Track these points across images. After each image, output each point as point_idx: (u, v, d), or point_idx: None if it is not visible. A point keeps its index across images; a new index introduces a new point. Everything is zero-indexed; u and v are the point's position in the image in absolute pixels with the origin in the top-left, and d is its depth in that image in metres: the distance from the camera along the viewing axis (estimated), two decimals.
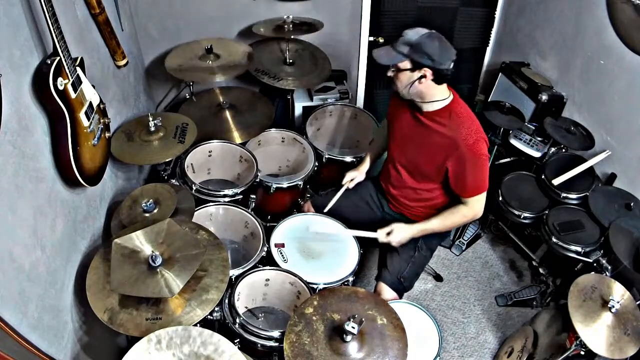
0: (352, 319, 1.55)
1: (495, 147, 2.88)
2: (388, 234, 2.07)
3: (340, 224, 2.23)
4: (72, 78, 1.62)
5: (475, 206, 2.04)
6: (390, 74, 1.92)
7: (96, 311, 1.58)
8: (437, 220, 2.09)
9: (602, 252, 2.22)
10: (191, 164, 2.39)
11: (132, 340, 1.41)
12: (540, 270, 2.70)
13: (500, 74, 3.07)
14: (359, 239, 2.19)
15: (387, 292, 2.10)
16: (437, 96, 1.92)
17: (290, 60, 2.77)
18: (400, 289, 2.14)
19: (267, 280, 2.04)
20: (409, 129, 2.05)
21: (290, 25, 2.66)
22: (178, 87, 3.02)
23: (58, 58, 1.54)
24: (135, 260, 1.61)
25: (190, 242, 1.66)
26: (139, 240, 1.65)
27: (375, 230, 2.10)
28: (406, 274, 2.14)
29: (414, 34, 1.82)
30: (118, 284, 1.55)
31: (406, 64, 1.84)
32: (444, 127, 1.92)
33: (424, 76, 1.84)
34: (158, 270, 1.57)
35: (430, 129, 1.96)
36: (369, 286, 2.62)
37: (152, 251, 1.60)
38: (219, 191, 2.28)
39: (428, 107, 1.95)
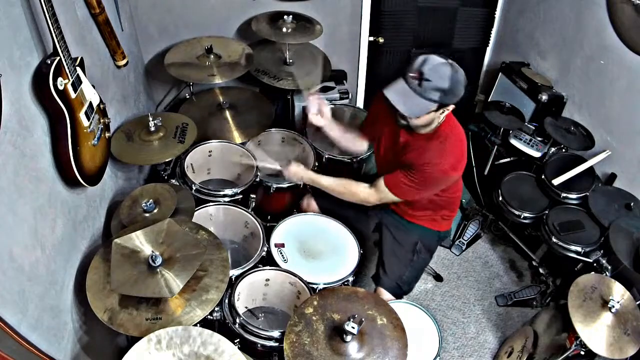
0: (352, 319, 1.55)
1: (495, 147, 2.88)
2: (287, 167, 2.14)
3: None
4: (72, 78, 1.62)
5: (373, 191, 1.99)
6: (405, 121, 1.78)
7: (96, 311, 1.57)
8: (331, 180, 2.10)
9: (602, 252, 2.22)
10: (191, 164, 2.39)
11: (132, 340, 1.41)
12: (540, 270, 2.70)
13: (500, 74, 3.08)
14: (357, 236, 2.21)
15: (386, 297, 2.08)
16: (439, 120, 1.84)
17: (290, 60, 2.77)
18: (400, 293, 2.13)
19: (267, 280, 2.04)
20: (397, 144, 1.98)
21: (289, 28, 2.66)
22: (178, 87, 3.02)
23: (58, 58, 1.54)
24: (135, 260, 1.61)
25: (190, 242, 1.66)
26: (139, 240, 1.65)
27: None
28: (406, 278, 2.13)
29: (439, 75, 1.63)
30: (118, 284, 1.55)
31: (433, 107, 1.69)
32: (427, 145, 1.85)
33: (444, 112, 1.76)
34: (158, 270, 1.57)
35: (414, 146, 1.89)
36: (369, 286, 2.61)
37: (152, 251, 1.60)
38: (219, 191, 2.28)
39: (422, 130, 1.86)
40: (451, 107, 1.75)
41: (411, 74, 1.66)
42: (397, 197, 1.97)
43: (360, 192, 2.03)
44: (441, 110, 1.75)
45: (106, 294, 1.61)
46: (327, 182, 2.09)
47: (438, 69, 1.65)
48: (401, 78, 1.70)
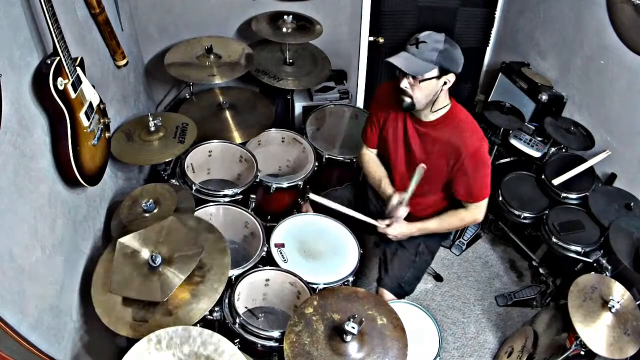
0: (352, 319, 1.55)
1: (495, 147, 2.88)
2: (388, 225, 2.06)
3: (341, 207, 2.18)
4: (72, 78, 1.62)
5: (475, 211, 2.03)
6: (407, 85, 1.78)
7: (97, 309, 1.58)
8: (435, 221, 2.08)
9: (602, 252, 2.22)
10: (191, 164, 2.39)
11: (132, 340, 1.41)
12: (540, 270, 2.70)
13: (500, 74, 3.08)
14: (357, 235, 2.20)
15: (388, 297, 2.09)
16: (443, 103, 1.88)
17: (290, 60, 2.77)
18: (401, 294, 2.14)
19: (267, 280, 2.04)
20: (409, 140, 1.98)
21: (289, 28, 2.66)
22: (178, 87, 3.02)
23: (58, 58, 1.54)
24: (136, 261, 1.61)
25: (189, 242, 1.65)
26: (141, 240, 1.65)
27: (376, 220, 2.08)
28: (407, 279, 2.14)
29: (434, 39, 1.73)
30: (117, 285, 1.55)
31: (434, 72, 1.74)
32: (447, 134, 1.89)
33: (445, 83, 1.78)
34: (159, 269, 1.57)
35: (433, 139, 1.92)
36: (369, 286, 2.62)
37: (152, 252, 1.60)
38: (219, 191, 2.28)
39: (431, 116, 1.90)
40: (451, 78, 1.78)
41: (408, 44, 1.77)
42: (487, 197, 2.01)
43: (466, 217, 2.05)
44: (442, 81, 1.77)
45: (107, 293, 1.61)
46: (436, 224, 2.08)
47: (432, 35, 1.75)
48: (401, 51, 1.79)
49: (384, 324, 1.67)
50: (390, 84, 2.00)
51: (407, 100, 1.83)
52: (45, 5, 1.44)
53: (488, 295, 2.80)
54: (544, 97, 2.72)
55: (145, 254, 1.62)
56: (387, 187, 2.12)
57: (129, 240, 1.64)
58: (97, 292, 1.64)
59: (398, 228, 2.05)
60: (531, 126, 2.76)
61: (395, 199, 2.04)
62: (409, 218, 2.13)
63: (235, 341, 1.82)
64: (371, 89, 3.36)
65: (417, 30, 3.26)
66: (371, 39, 3.13)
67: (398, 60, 1.75)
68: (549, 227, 2.34)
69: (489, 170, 1.95)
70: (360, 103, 3.37)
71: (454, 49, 1.76)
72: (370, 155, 2.23)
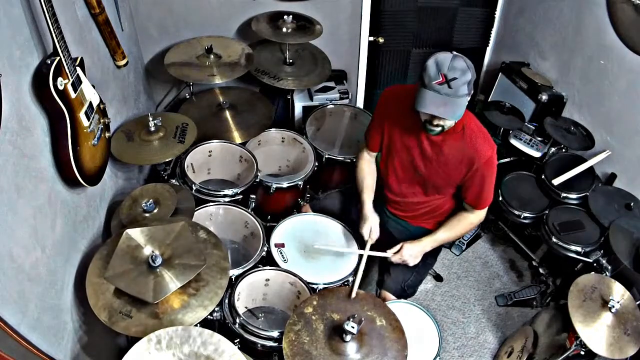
0: (351, 319, 1.55)
1: (495, 147, 2.88)
2: (397, 252, 2.01)
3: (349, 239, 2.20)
4: (72, 78, 1.62)
5: (481, 214, 2.05)
6: (439, 121, 1.74)
7: (95, 309, 1.57)
8: (445, 231, 2.07)
9: (602, 252, 2.23)
10: (191, 164, 2.39)
11: (132, 340, 1.42)
12: (540, 270, 2.70)
13: (500, 74, 3.07)
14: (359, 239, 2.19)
15: (390, 300, 2.08)
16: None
17: (290, 60, 2.77)
18: (404, 296, 2.14)
19: (267, 280, 2.04)
20: (420, 151, 1.95)
21: (289, 28, 2.66)
22: (178, 87, 3.02)
23: (58, 58, 1.54)
24: (137, 255, 1.61)
25: (194, 252, 1.64)
26: (148, 237, 1.65)
27: (384, 250, 2.04)
28: (411, 282, 2.14)
29: (461, 70, 1.62)
30: (113, 274, 1.55)
31: (467, 101, 1.71)
32: (460, 143, 1.86)
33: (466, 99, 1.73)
34: (158, 270, 1.57)
35: (447, 147, 1.89)
36: (369, 286, 2.62)
37: (152, 251, 1.60)
38: (219, 191, 2.28)
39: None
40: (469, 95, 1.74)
41: (436, 82, 1.63)
42: (491, 200, 2.03)
43: (472, 221, 2.08)
44: (468, 99, 1.73)
45: (105, 292, 1.60)
46: (445, 234, 2.07)
47: (454, 65, 1.63)
48: (426, 90, 1.66)
49: (382, 325, 1.68)
50: (399, 89, 1.99)
51: (437, 129, 1.78)
52: (45, 5, 1.44)
53: (488, 295, 2.80)
54: (544, 97, 2.72)
55: (147, 251, 1.62)
56: (366, 203, 2.10)
57: (136, 234, 1.64)
58: (93, 273, 1.64)
59: (409, 250, 2.01)
60: (531, 126, 2.76)
61: (367, 227, 2.04)
62: (411, 226, 2.15)
63: (235, 341, 1.82)
64: (371, 89, 3.36)
65: (417, 30, 3.26)
66: (371, 39, 3.13)
67: (438, 109, 1.66)
68: (549, 227, 2.34)
69: (495, 175, 1.97)
70: (360, 103, 3.37)
71: (473, 69, 1.68)
72: (367, 161, 2.20)
